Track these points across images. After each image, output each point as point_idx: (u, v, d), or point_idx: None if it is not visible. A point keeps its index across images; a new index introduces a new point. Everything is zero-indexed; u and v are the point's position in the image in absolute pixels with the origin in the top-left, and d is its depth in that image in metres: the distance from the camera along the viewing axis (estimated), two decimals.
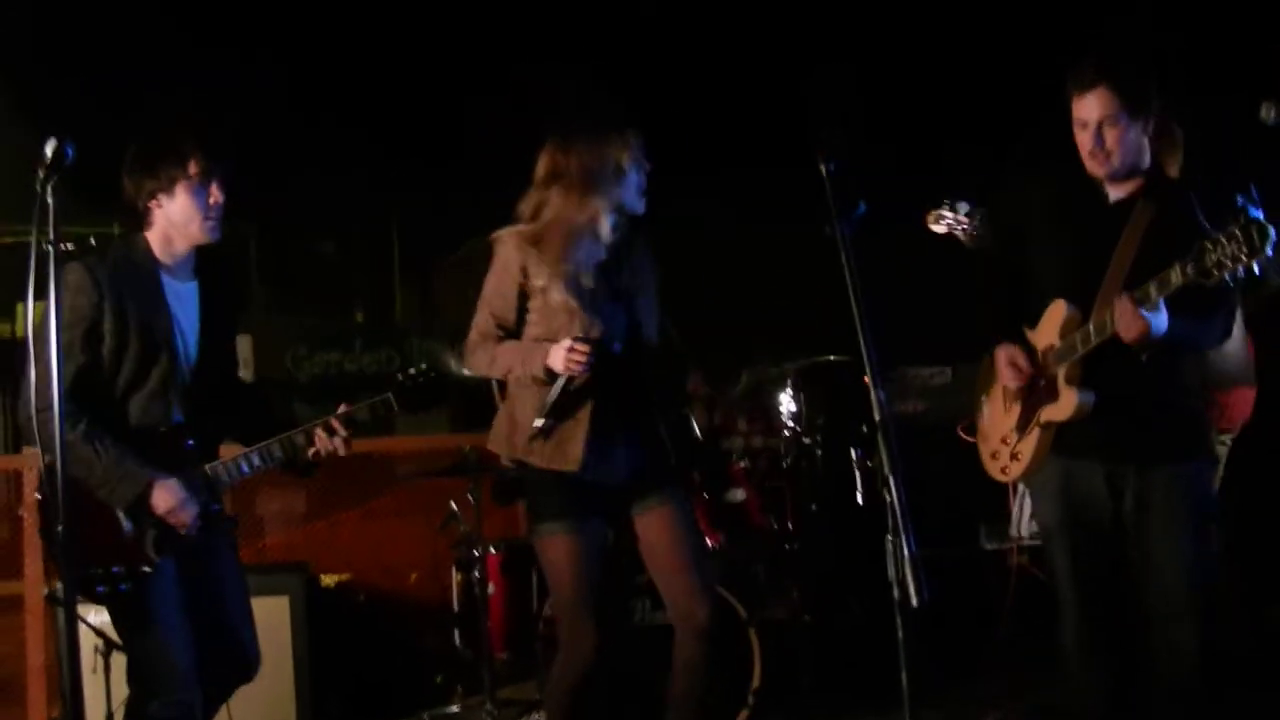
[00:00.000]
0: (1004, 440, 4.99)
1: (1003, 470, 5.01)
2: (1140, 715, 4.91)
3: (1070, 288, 4.69)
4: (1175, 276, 4.23)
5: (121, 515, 4.48)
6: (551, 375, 4.72)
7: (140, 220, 4.66)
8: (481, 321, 4.94)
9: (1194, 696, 4.76)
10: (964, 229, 5.82)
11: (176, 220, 4.66)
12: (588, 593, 4.77)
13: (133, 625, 4.59)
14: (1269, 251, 3.97)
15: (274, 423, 4.85)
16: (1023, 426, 4.88)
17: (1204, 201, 4.51)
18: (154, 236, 4.68)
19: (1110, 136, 4.59)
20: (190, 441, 4.70)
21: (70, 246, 4.53)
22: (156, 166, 4.62)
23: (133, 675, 4.69)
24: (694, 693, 4.88)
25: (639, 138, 4.89)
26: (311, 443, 4.77)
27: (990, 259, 5.29)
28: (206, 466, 4.71)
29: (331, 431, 4.76)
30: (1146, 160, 4.67)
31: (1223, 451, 5.85)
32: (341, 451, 4.79)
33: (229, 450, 4.85)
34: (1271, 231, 3.97)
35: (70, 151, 3.78)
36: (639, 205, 4.91)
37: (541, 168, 4.90)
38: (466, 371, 5.07)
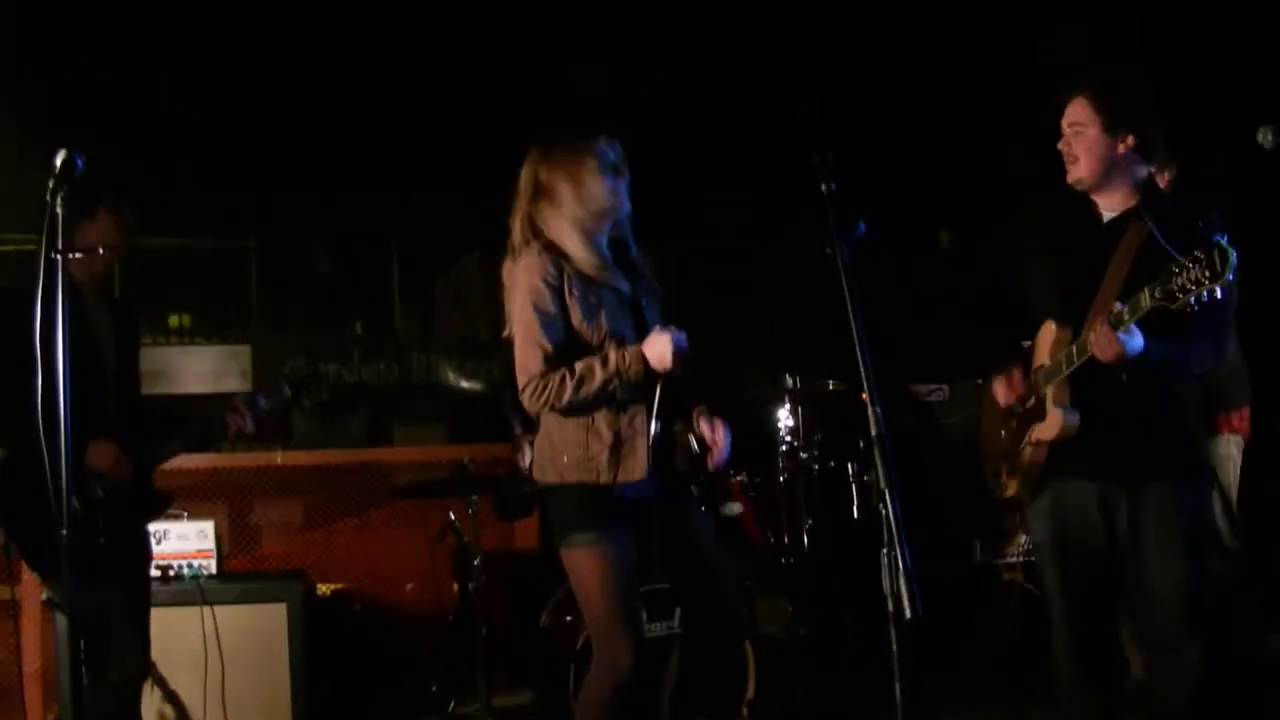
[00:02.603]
0: (1002, 459, 5.04)
1: (1001, 488, 5.06)
2: None
3: (1063, 307, 4.75)
4: (1145, 300, 4.28)
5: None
6: (648, 376, 4.70)
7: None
8: (534, 361, 4.73)
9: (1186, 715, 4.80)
10: None
11: (96, 242, 5.07)
12: (623, 604, 4.72)
13: (90, 596, 4.73)
14: (1230, 276, 4.02)
15: (179, 420, 5.46)
16: (1017, 445, 4.93)
17: (1171, 225, 4.56)
18: (74, 260, 4.92)
19: (1078, 144, 4.70)
20: (119, 432, 5.03)
21: (77, 256, 4.75)
22: (76, 192, 4.78)
23: (92, 646, 4.87)
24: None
25: (618, 143, 4.88)
26: (224, 425, 5.32)
27: (993, 280, 5.33)
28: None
29: (235, 411, 5.31)
30: (1135, 178, 4.73)
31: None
32: (247, 430, 5.34)
33: None
34: (1233, 256, 4.01)
35: (80, 162, 3.84)
36: (622, 206, 4.88)
37: (524, 181, 4.89)
38: (465, 384, 5.09)
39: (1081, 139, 4.70)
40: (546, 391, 4.70)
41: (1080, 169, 4.72)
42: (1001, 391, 4.94)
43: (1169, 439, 4.72)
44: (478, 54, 9.87)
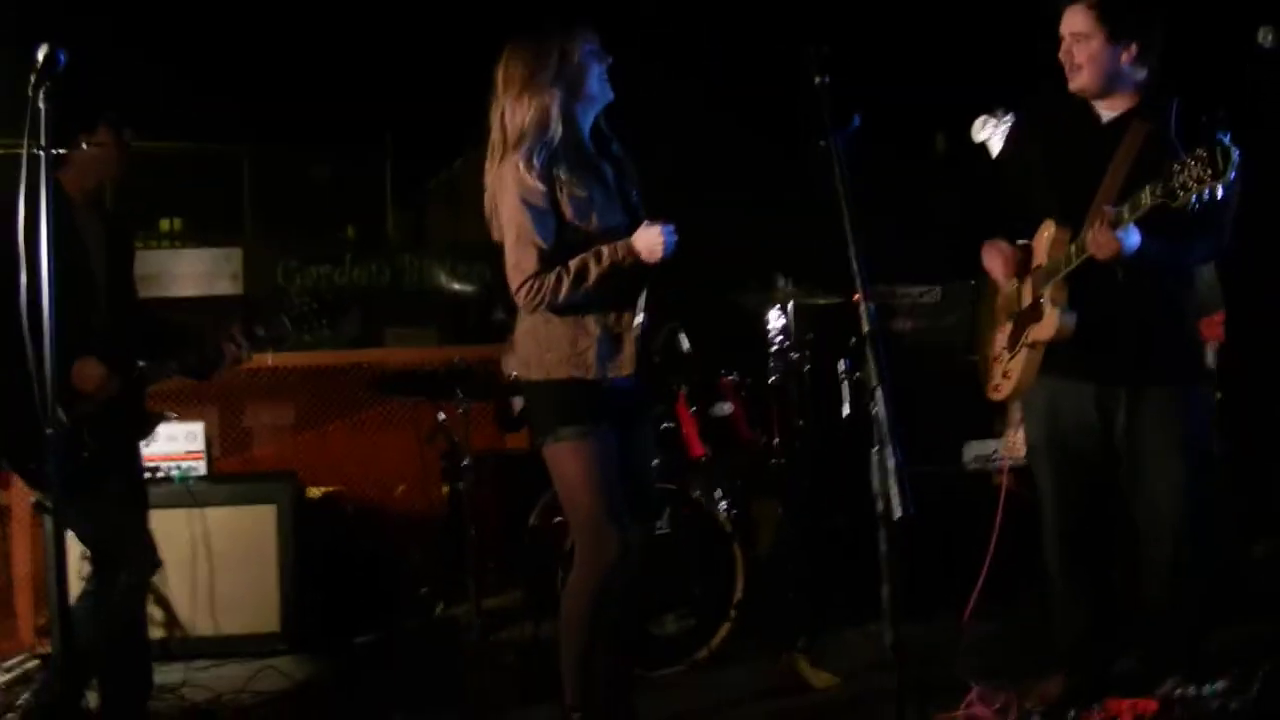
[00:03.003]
0: (996, 359, 5.01)
1: (995, 389, 5.03)
2: (1121, 634, 4.97)
3: (1063, 208, 4.71)
4: (1145, 198, 4.25)
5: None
6: (637, 269, 4.71)
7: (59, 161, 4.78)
8: (528, 259, 4.68)
9: (1176, 618, 4.81)
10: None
11: (94, 158, 5.02)
12: (608, 497, 4.74)
13: (84, 509, 4.74)
14: (1231, 174, 3.98)
15: (178, 338, 5.33)
16: (1013, 346, 4.90)
17: (1178, 123, 4.52)
18: (68, 176, 4.93)
19: (1080, 52, 4.65)
20: (113, 348, 4.98)
21: (64, 154, 4.74)
22: (77, 108, 4.80)
23: (96, 556, 5.07)
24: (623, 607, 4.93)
25: (592, 30, 4.83)
26: (221, 354, 5.21)
27: (997, 176, 5.28)
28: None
29: (233, 341, 5.21)
30: (1135, 81, 4.68)
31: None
32: (244, 359, 5.27)
33: None
34: (1235, 154, 3.97)
35: (62, 57, 3.78)
36: (606, 93, 4.85)
37: (497, 78, 4.84)
38: (456, 286, 5.08)
39: (1084, 48, 4.65)
40: (543, 290, 4.68)
41: (1083, 77, 4.68)
42: (995, 262, 4.91)
43: (1169, 342, 4.71)
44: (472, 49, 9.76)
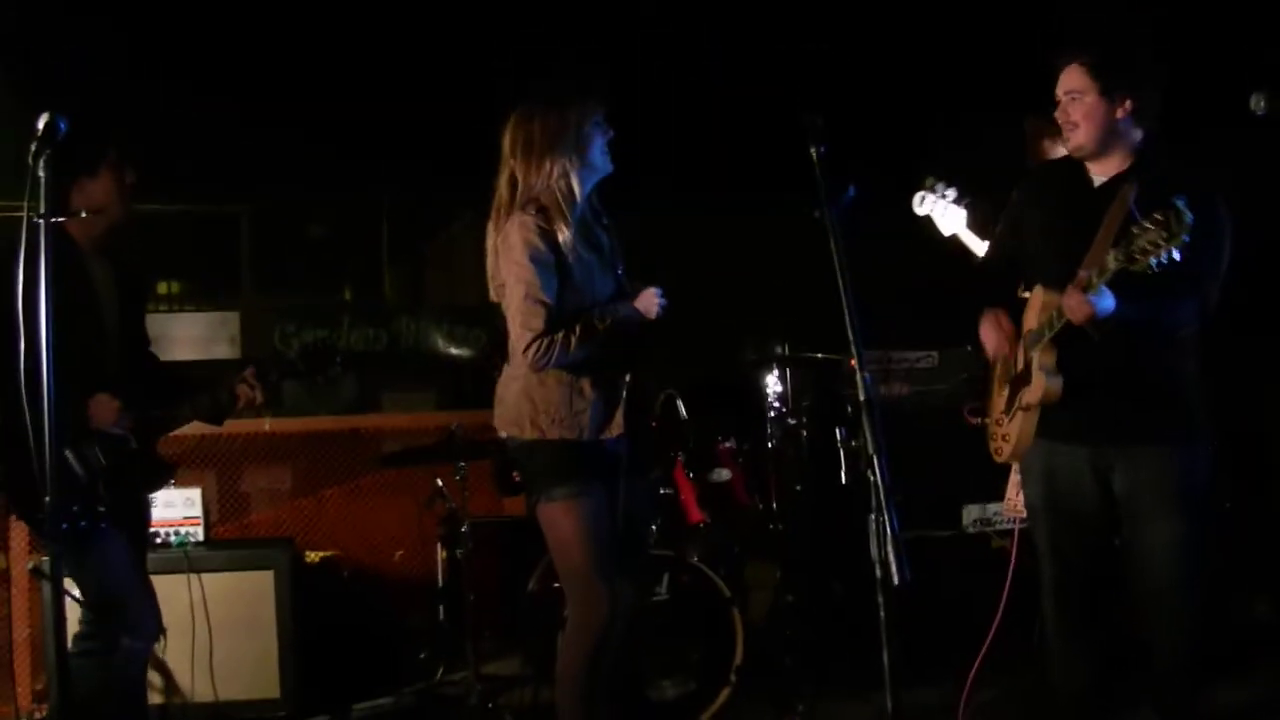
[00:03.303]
0: (998, 422, 5.05)
1: (996, 451, 5.08)
2: (1120, 698, 4.97)
3: (1055, 272, 4.73)
4: (1110, 261, 4.30)
5: (72, 459, 4.69)
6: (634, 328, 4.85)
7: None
8: (536, 318, 4.71)
9: (1177, 686, 4.82)
10: (948, 209, 5.84)
11: (97, 202, 4.94)
12: (600, 555, 4.78)
13: (94, 565, 4.77)
14: (1185, 238, 4.02)
15: (190, 385, 5.29)
16: (1009, 409, 4.94)
17: (1153, 189, 4.55)
18: (74, 220, 4.89)
19: (1075, 110, 4.72)
20: (122, 391, 4.93)
21: (76, 216, 4.76)
22: (77, 150, 4.73)
23: (98, 616, 4.95)
24: (616, 669, 4.94)
25: (601, 103, 4.90)
26: (234, 397, 5.15)
27: (991, 246, 5.33)
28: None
29: (246, 383, 5.15)
30: (1131, 142, 4.73)
31: None
32: (257, 401, 5.19)
33: None
34: (1189, 218, 4.01)
35: (63, 125, 3.82)
36: (607, 165, 4.92)
37: (507, 141, 4.90)
38: (454, 350, 5.10)
39: (1079, 105, 4.71)
40: (551, 349, 4.71)
41: (1080, 135, 4.74)
42: (989, 334, 4.97)
43: (1158, 402, 4.73)
44: (473, 50, 9.83)
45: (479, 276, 5.00)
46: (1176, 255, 4.07)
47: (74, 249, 4.90)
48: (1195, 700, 4.84)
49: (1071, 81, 4.73)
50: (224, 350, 12.44)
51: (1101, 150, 4.74)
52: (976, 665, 5.23)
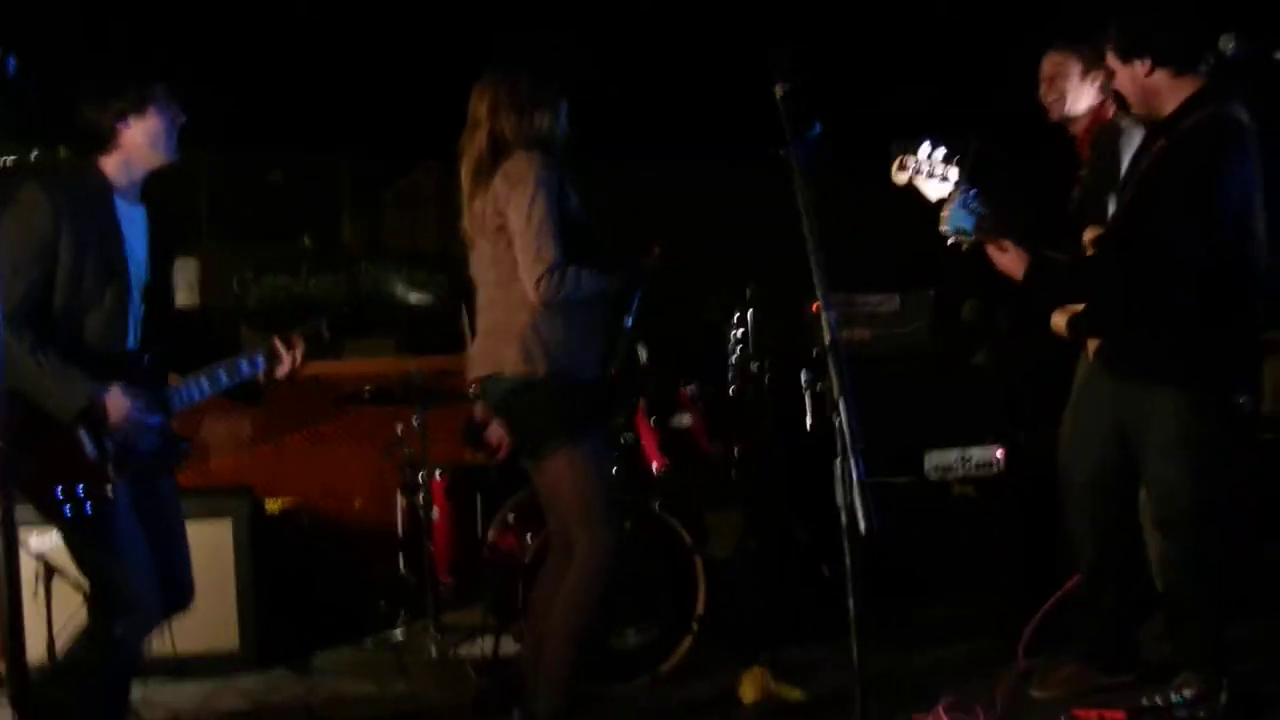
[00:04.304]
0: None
1: None
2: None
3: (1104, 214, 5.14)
4: None
5: (85, 437, 4.42)
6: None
7: (103, 143, 4.60)
8: (550, 250, 4.73)
9: (1193, 611, 4.94)
10: (929, 173, 5.51)
11: (143, 141, 4.64)
12: (609, 495, 4.92)
13: (97, 547, 4.56)
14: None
15: (216, 350, 4.86)
16: None
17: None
18: (113, 160, 4.63)
19: (1118, 83, 4.91)
20: (146, 359, 4.68)
21: (8, 162, 4.55)
22: (124, 87, 4.59)
23: (95, 598, 4.69)
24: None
25: (564, 64, 5.03)
26: (271, 371, 4.81)
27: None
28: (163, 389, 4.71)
29: (290, 346, 4.80)
30: (1180, 95, 4.79)
31: None
32: (297, 364, 4.82)
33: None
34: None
35: (11, 64, 3.70)
36: (565, 129, 5.01)
37: (486, 102, 4.93)
38: (414, 296, 5.06)
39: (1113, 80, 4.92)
40: (566, 281, 4.74)
41: (1130, 104, 4.91)
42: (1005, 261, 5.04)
43: (1172, 342, 4.79)
44: (459, 39, 9.72)
45: (440, 221, 4.99)
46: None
47: (108, 190, 4.62)
48: (1218, 638, 4.90)
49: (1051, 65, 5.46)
50: (183, 297, 12.31)
51: (1152, 109, 4.84)
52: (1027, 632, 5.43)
